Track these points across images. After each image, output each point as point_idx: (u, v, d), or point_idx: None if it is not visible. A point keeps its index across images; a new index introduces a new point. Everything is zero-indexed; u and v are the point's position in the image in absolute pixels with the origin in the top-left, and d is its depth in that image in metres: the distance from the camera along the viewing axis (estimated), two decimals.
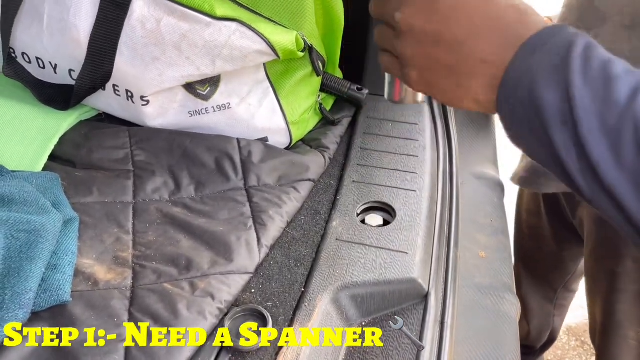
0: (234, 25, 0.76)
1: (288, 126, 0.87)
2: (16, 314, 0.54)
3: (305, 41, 0.83)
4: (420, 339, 0.64)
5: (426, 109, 0.98)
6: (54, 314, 0.58)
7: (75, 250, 0.63)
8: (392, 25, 0.46)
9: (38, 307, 0.57)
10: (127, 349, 0.56)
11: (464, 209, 0.92)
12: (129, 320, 0.58)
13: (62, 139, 0.81)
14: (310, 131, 0.93)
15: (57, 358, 0.54)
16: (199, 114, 0.84)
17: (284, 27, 0.82)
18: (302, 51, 0.84)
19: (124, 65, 0.78)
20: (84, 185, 0.75)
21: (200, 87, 0.83)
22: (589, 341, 1.71)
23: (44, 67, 0.85)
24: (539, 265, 1.24)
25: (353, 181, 0.85)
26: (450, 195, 0.86)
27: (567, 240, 1.09)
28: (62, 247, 0.62)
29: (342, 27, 0.94)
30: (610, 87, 0.34)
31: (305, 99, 0.89)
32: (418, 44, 0.44)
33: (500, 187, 1.02)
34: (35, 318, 0.57)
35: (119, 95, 0.82)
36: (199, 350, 0.58)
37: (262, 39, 0.77)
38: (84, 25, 0.78)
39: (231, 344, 0.59)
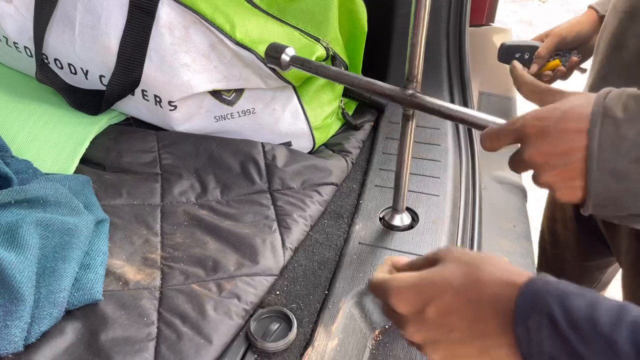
0: (250, 56, 0.78)
1: (311, 131, 0.88)
2: (51, 312, 0.56)
3: (328, 50, 0.85)
4: None
5: None
6: (86, 313, 0.60)
7: (107, 251, 0.65)
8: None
9: (71, 306, 0.59)
10: (157, 347, 0.57)
11: (487, 214, 0.92)
12: (158, 320, 0.60)
13: (92, 143, 0.83)
14: (333, 135, 0.94)
15: (89, 355, 0.56)
16: (225, 119, 0.86)
17: (308, 38, 0.84)
18: (325, 60, 0.85)
19: (153, 71, 0.80)
20: (113, 187, 0.77)
21: (226, 93, 0.84)
22: None
23: (75, 73, 0.88)
24: (562, 273, 1.22)
25: (375, 185, 0.85)
26: (473, 200, 0.86)
27: (596, 250, 1.07)
28: (94, 248, 0.64)
29: (365, 33, 0.95)
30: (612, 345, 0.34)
31: (327, 104, 0.90)
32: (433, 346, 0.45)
33: (522, 192, 1.02)
34: (68, 316, 0.59)
35: (148, 101, 0.84)
36: (226, 349, 0.60)
37: None
38: (114, 32, 0.81)
39: (257, 345, 0.60)
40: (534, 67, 0.92)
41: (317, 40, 0.85)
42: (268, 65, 0.72)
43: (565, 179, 0.49)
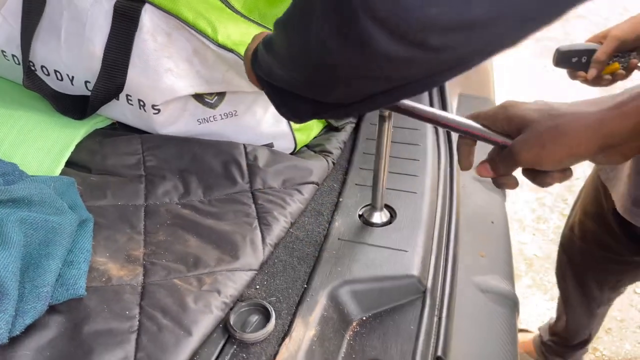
0: (232, 57, 0.80)
1: (292, 132, 0.90)
2: (35, 305, 0.58)
3: None
4: (418, 332, 0.66)
5: None
6: (69, 307, 0.62)
7: (90, 249, 0.67)
8: None
9: (55, 300, 0.60)
10: (138, 339, 0.59)
11: (465, 211, 0.94)
12: (140, 313, 0.62)
13: (78, 147, 0.85)
14: (315, 137, 0.97)
15: (72, 347, 0.58)
16: (208, 122, 0.88)
17: None
18: None
19: (136, 76, 0.83)
20: (98, 189, 0.79)
21: (208, 96, 0.87)
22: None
23: (61, 80, 0.90)
24: (589, 268, 1.21)
25: (356, 184, 0.88)
26: (451, 197, 0.89)
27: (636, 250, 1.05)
28: (77, 245, 0.66)
29: None
30: None
31: None
32: None
33: (502, 191, 1.04)
34: (52, 310, 0.61)
35: (132, 105, 0.87)
36: (206, 341, 0.61)
37: None
38: (99, 38, 0.83)
39: (236, 336, 0.62)
40: (593, 72, 0.89)
41: None
42: None
43: None
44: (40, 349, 0.58)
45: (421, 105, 0.64)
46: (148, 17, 0.81)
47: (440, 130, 0.98)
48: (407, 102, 0.64)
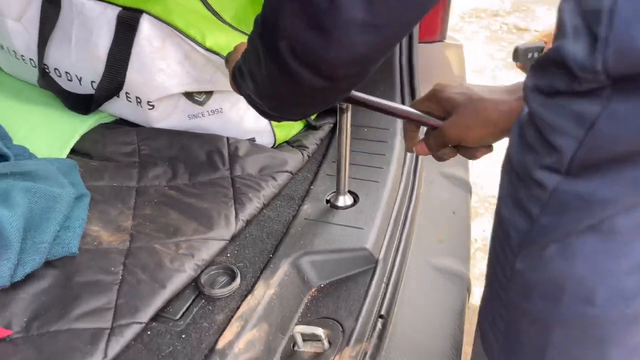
0: (220, 60, 0.91)
1: (272, 128, 1.01)
2: (34, 258, 0.69)
3: None
4: (365, 295, 0.75)
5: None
6: (63, 263, 0.73)
7: (85, 218, 0.78)
8: None
9: (52, 256, 0.71)
10: (120, 289, 0.69)
11: (431, 202, 1.03)
12: (123, 270, 0.72)
13: (82, 137, 0.97)
14: (295, 135, 1.07)
15: (64, 294, 0.68)
16: (197, 117, 0.99)
17: None
18: None
19: (134, 75, 0.95)
20: (97, 172, 0.90)
21: (198, 95, 0.98)
22: None
23: (71, 80, 1.03)
24: None
25: (327, 174, 0.98)
26: (412, 188, 0.98)
27: None
28: (74, 214, 0.77)
29: None
30: None
31: None
32: None
33: (467, 186, 1.13)
34: (48, 264, 0.72)
35: (130, 102, 0.99)
36: (179, 295, 0.71)
37: None
38: (103, 43, 0.96)
39: (204, 292, 0.72)
40: None
41: None
42: None
43: None
44: (37, 294, 0.68)
45: (371, 96, 0.74)
46: (146, 25, 0.93)
47: None
48: (360, 94, 0.75)
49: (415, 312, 0.80)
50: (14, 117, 0.95)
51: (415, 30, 1.18)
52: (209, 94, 0.98)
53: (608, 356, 0.43)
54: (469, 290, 0.91)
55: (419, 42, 1.21)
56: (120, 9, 0.94)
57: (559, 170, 0.39)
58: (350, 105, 0.81)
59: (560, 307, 0.43)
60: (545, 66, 0.40)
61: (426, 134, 0.71)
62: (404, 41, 1.18)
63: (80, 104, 1.01)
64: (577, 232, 0.40)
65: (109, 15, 0.95)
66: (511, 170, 0.45)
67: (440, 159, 0.72)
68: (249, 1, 1.09)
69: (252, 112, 1.00)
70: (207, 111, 0.99)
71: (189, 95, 0.98)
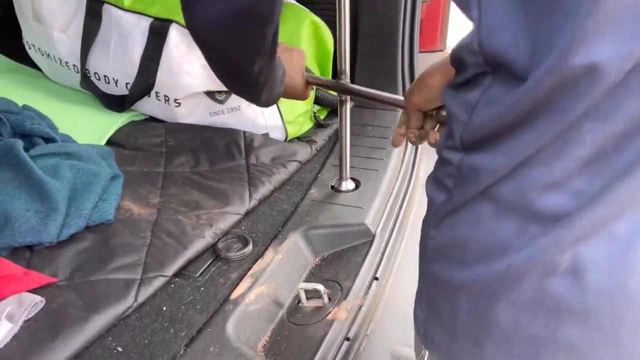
0: None
1: (284, 124, 1.12)
2: (77, 221, 0.80)
3: None
4: (363, 261, 0.85)
5: (400, 116, 1.22)
6: (101, 229, 0.84)
7: (120, 194, 0.90)
8: None
9: (91, 222, 0.83)
10: (148, 249, 0.80)
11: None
12: (151, 235, 0.83)
13: (117, 131, 1.10)
14: (305, 132, 1.19)
15: (101, 252, 0.80)
16: (217, 114, 1.12)
17: None
18: None
19: (163, 77, 1.08)
20: (130, 159, 1.03)
21: (218, 94, 1.11)
22: None
23: (108, 83, 1.16)
24: None
25: (333, 165, 1.08)
26: (411, 175, 1.08)
27: None
28: (110, 190, 0.89)
29: (332, 54, 1.21)
30: None
31: (300, 105, 1.15)
32: None
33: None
34: (88, 229, 0.83)
35: (160, 100, 1.12)
36: (198, 257, 0.82)
37: None
38: (137, 49, 1.09)
39: (221, 255, 0.82)
40: None
41: None
42: None
43: None
44: (79, 252, 0.80)
45: (362, 87, 0.85)
46: (174, 32, 1.07)
47: None
48: (355, 86, 0.86)
49: (408, 282, 0.89)
50: (58, 114, 1.09)
51: (416, 40, 1.29)
52: (229, 93, 1.11)
53: (498, 314, 0.44)
54: None
55: (420, 52, 1.33)
56: (152, 19, 1.08)
57: (458, 149, 0.45)
58: (348, 97, 0.92)
59: (461, 269, 0.46)
60: (453, 62, 0.46)
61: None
62: (406, 50, 1.29)
63: (116, 103, 1.15)
64: (473, 199, 0.44)
65: (143, 25, 1.09)
66: (437, 154, 0.51)
67: (422, 139, 0.79)
68: None
69: (266, 111, 1.12)
70: (227, 109, 1.11)
71: (210, 94, 1.11)
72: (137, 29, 1.10)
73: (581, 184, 0.39)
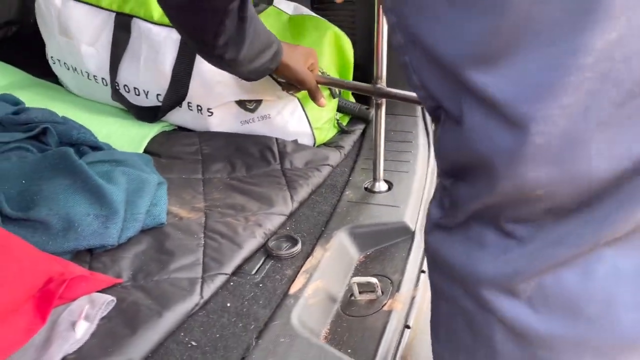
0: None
1: (312, 131, 1.16)
2: (133, 225, 0.83)
3: (323, 73, 1.15)
4: (408, 256, 0.89)
5: (420, 121, 1.28)
6: (154, 232, 0.86)
7: (166, 199, 0.93)
8: None
9: (145, 226, 0.85)
10: (204, 250, 0.83)
11: None
12: (204, 236, 0.86)
13: (150, 141, 1.13)
14: (331, 137, 1.23)
15: (159, 254, 0.82)
16: (248, 123, 1.15)
17: None
18: None
19: (196, 87, 1.11)
20: (167, 167, 1.05)
21: (249, 103, 1.14)
22: None
23: (139, 95, 1.19)
24: None
25: (362, 168, 1.13)
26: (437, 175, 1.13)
27: None
28: (158, 195, 0.91)
29: (352, 64, 1.26)
30: None
31: (326, 112, 1.19)
32: None
33: None
34: (143, 233, 0.86)
35: (192, 110, 1.15)
36: (252, 256, 0.85)
37: None
38: (169, 61, 1.12)
39: (273, 253, 0.85)
40: None
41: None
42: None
43: None
44: (137, 254, 0.82)
45: (399, 90, 0.90)
46: None
47: (430, 129, 1.24)
48: (391, 89, 0.91)
49: None
50: (90, 127, 1.11)
51: None
52: (259, 102, 1.14)
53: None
54: None
55: None
56: None
57: (445, 176, 0.48)
58: (384, 100, 0.97)
59: (444, 283, 0.49)
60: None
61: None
62: None
63: (147, 114, 1.17)
64: (461, 222, 0.47)
65: (174, 37, 1.12)
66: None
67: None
68: (287, 27, 1.27)
69: (295, 118, 1.16)
70: (257, 117, 1.15)
71: (241, 103, 1.14)
72: (168, 41, 1.13)
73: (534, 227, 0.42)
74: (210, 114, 1.14)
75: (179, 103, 1.14)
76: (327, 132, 1.22)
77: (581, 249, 0.41)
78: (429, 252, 0.53)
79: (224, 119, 1.15)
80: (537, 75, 0.37)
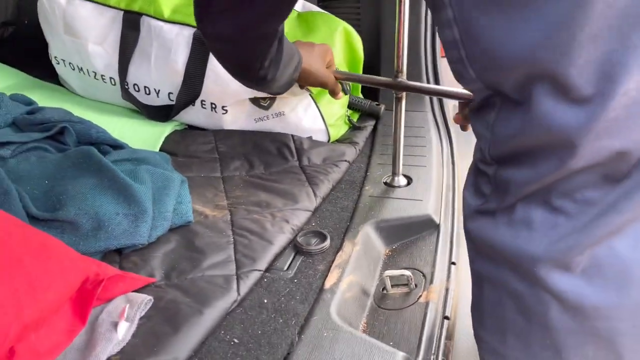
0: None
1: (327, 127, 1.16)
2: (162, 223, 0.81)
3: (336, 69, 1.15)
4: (436, 248, 0.89)
5: (430, 116, 1.28)
6: (182, 231, 0.85)
7: (190, 197, 0.91)
8: None
9: (174, 224, 0.84)
10: (235, 247, 0.82)
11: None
12: (233, 234, 0.85)
13: (165, 140, 1.11)
14: (343, 134, 1.22)
15: (189, 252, 0.81)
16: (262, 120, 1.14)
17: None
18: None
19: (210, 85, 1.10)
20: (185, 166, 1.04)
21: (263, 101, 1.14)
22: None
23: (149, 94, 1.17)
24: None
25: (378, 163, 1.13)
26: (453, 169, 1.13)
27: None
28: (182, 193, 0.90)
29: (362, 61, 1.26)
30: None
31: (337, 109, 1.19)
32: None
33: None
34: (171, 231, 0.84)
35: (205, 108, 1.13)
36: (282, 252, 0.84)
37: None
38: (181, 59, 1.11)
39: (303, 249, 0.84)
40: None
41: None
42: None
43: None
44: (167, 253, 0.81)
45: (422, 84, 0.90)
46: None
47: (440, 124, 1.25)
48: (412, 83, 0.91)
49: None
50: (104, 124, 1.08)
51: (438, 46, 1.36)
52: (273, 99, 1.14)
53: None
54: None
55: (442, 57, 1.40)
56: (195, 29, 1.10)
57: (490, 162, 0.49)
58: (404, 93, 0.97)
59: (490, 269, 0.51)
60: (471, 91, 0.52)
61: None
62: (429, 56, 1.36)
63: (159, 113, 1.15)
64: (506, 207, 0.48)
65: (185, 35, 1.11)
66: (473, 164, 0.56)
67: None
68: (297, 24, 1.26)
69: (309, 115, 1.16)
70: (271, 114, 1.14)
71: (255, 100, 1.13)
72: (180, 39, 1.11)
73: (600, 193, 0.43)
74: (224, 111, 1.12)
75: (192, 101, 1.13)
76: (340, 129, 1.21)
77: (632, 214, 0.43)
78: (472, 240, 0.53)
79: (238, 117, 1.14)
80: (611, 57, 0.39)
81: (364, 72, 1.28)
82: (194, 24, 1.10)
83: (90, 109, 1.21)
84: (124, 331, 0.65)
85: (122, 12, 1.17)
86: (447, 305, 0.78)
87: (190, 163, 1.05)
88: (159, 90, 1.16)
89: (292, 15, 1.25)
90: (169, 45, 1.12)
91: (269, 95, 1.13)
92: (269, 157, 1.08)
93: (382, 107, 1.28)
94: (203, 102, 1.13)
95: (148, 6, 1.14)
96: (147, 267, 0.77)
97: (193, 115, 1.16)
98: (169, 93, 1.15)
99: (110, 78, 1.20)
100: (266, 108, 1.14)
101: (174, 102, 1.14)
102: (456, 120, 0.87)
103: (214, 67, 1.09)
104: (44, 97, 1.25)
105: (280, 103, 1.14)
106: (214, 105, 1.12)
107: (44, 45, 1.34)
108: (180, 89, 1.12)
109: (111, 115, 1.17)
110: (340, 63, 1.23)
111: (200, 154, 1.08)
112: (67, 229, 0.75)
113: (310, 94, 1.15)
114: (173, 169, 0.96)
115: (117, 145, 0.95)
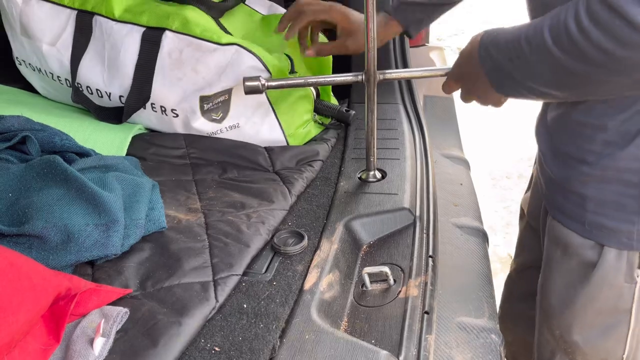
0: (234, 47, 1.04)
1: (286, 138, 1.13)
2: (135, 231, 0.79)
3: (291, 61, 1.12)
4: (413, 241, 0.89)
5: (401, 108, 1.28)
6: (156, 237, 0.83)
7: (162, 202, 0.89)
8: None
9: (146, 232, 0.82)
10: (211, 251, 0.80)
11: (440, 176, 1.19)
12: (208, 237, 0.83)
13: (132, 144, 1.08)
14: (315, 135, 1.20)
15: (164, 259, 0.79)
16: (216, 134, 1.11)
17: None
18: (291, 72, 1.12)
19: (158, 87, 1.06)
20: (155, 170, 1.01)
21: (215, 115, 1.10)
22: None
23: (101, 97, 1.13)
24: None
25: (352, 158, 1.12)
26: (426, 161, 1.14)
27: None
28: (153, 199, 0.87)
29: (331, 64, 1.25)
30: None
31: (301, 115, 1.16)
32: None
33: (466, 163, 1.30)
34: (144, 239, 0.82)
35: (156, 112, 1.10)
36: (259, 254, 0.83)
37: (255, 57, 1.04)
38: (130, 61, 1.07)
39: (281, 250, 0.83)
40: None
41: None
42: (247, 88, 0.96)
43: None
44: (141, 261, 0.79)
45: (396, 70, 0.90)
46: (167, 40, 1.05)
47: (412, 117, 1.25)
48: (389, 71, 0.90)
49: (451, 257, 0.95)
50: (66, 128, 1.05)
51: (406, 38, 1.36)
52: (226, 112, 1.10)
53: None
54: (487, 240, 1.06)
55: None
56: (144, 28, 1.07)
57: None
58: (375, 88, 0.96)
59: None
60: None
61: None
62: (397, 47, 1.36)
63: (111, 116, 1.12)
64: None
65: (135, 35, 1.07)
66: None
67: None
68: (258, 26, 1.24)
69: (266, 125, 1.12)
70: (226, 127, 1.10)
71: (206, 114, 1.09)
72: (129, 39, 1.08)
73: None
74: (175, 115, 1.09)
75: (142, 104, 1.09)
76: (305, 136, 1.18)
77: None
78: None
79: (189, 120, 1.10)
80: None
81: (333, 72, 1.27)
82: (144, 22, 1.06)
83: (54, 112, 1.17)
84: (100, 347, 0.63)
85: (75, 12, 1.13)
86: (426, 300, 0.79)
87: (161, 167, 1.03)
88: (110, 94, 1.12)
89: (255, 18, 1.23)
90: (119, 46, 1.09)
91: (217, 104, 1.09)
92: (242, 161, 1.06)
93: (352, 112, 1.25)
94: (153, 106, 1.09)
95: (101, 5, 1.10)
96: (121, 277, 0.75)
97: (145, 118, 1.13)
98: (120, 96, 1.11)
99: (65, 79, 1.16)
100: (219, 121, 1.11)
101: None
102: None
103: (162, 68, 1.06)
104: (5, 102, 1.20)
105: (234, 114, 1.10)
106: (163, 109, 1.09)
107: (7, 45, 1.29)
108: (130, 91, 1.08)
109: (74, 118, 1.13)
110: (310, 65, 1.22)
111: (170, 159, 1.06)
112: (35, 243, 0.72)
113: (268, 100, 1.12)
114: (143, 174, 0.93)
115: (83, 153, 0.91)
